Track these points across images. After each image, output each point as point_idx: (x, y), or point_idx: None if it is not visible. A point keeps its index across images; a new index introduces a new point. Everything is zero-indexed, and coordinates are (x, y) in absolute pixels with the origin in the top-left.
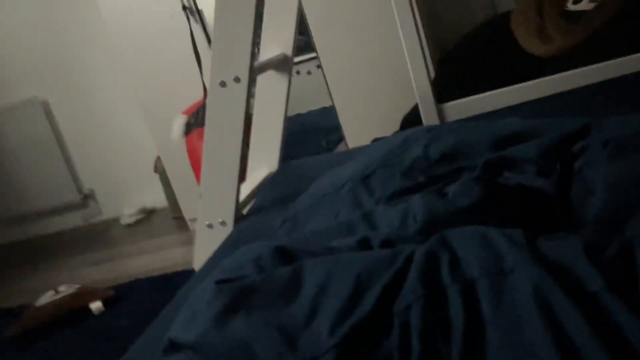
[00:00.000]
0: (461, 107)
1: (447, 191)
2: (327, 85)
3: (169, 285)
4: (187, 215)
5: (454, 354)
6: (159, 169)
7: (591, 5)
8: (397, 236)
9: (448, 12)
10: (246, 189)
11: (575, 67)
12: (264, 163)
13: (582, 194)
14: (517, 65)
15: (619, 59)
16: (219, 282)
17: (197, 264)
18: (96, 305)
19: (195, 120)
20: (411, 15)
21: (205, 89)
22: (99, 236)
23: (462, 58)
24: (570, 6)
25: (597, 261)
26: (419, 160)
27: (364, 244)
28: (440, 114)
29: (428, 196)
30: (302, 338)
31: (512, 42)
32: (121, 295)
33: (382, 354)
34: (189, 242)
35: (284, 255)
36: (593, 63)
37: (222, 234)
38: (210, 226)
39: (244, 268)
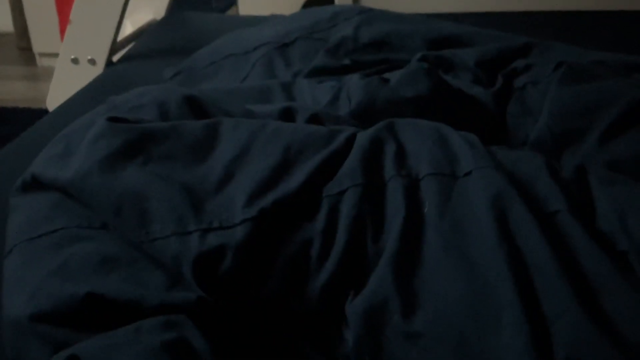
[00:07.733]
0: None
1: (388, 77)
2: None
3: (3, 120)
4: (36, 48)
5: (387, 253)
6: None
7: None
8: (326, 114)
9: None
10: (123, 30)
11: None
12: (148, 6)
13: (519, 112)
14: None
15: None
16: (111, 120)
17: (52, 102)
18: None
19: None
20: None
21: None
22: None
23: None
24: None
25: (558, 181)
26: (347, 41)
27: (287, 115)
28: (357, 2)
29: (368, 78)
30: (210, 203)
31: None
32: None
33: (300, 238)
34: (34, 77)
35: (194, 107)
36: None
37: (89, 73)
38: (75, 61)
39: (144, 110)
